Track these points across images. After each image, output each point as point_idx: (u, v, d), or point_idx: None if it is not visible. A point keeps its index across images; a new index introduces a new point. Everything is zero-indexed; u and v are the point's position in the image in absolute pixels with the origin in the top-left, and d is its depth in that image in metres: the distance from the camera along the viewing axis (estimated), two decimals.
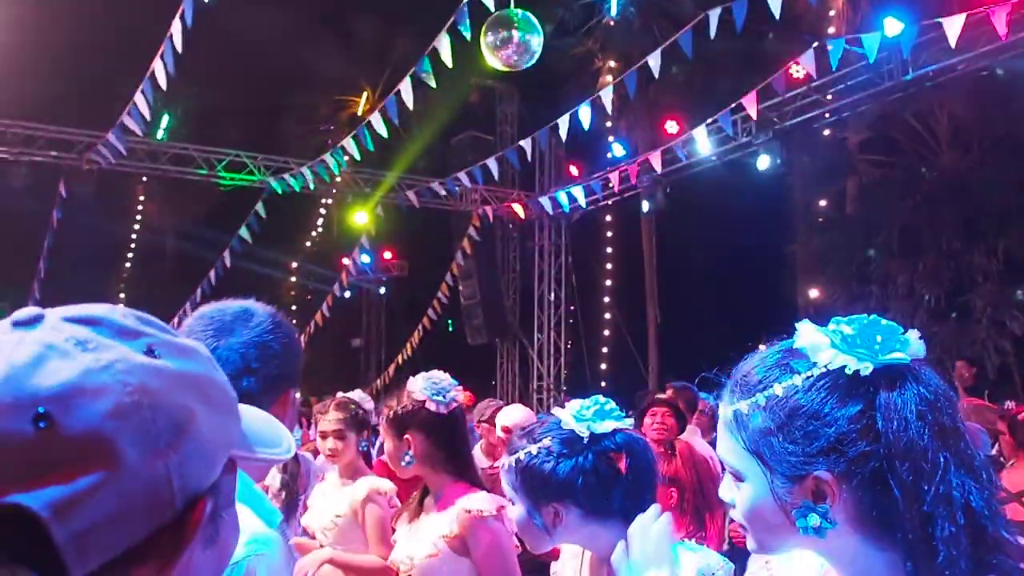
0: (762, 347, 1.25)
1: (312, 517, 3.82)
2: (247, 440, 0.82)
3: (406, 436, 2.70)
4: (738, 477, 1.18)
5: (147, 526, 0.65)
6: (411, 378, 2.80)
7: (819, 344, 1.13)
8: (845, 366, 1.09)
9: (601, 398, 1.90)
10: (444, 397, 2.71)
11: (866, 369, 1.09)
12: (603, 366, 18.64)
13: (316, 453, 7.55)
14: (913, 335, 1.13)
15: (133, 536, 0.64)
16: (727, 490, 1.23)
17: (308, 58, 23.75)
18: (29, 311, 0.70)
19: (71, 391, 0.64)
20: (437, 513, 2.67)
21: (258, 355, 1.42)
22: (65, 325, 0.69)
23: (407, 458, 2.69)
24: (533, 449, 1.86)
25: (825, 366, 1.11)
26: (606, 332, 18.86)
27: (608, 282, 18.76)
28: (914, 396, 1.08)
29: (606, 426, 1.85)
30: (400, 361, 18.98)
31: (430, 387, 2.72)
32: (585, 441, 1.83)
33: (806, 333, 1.15)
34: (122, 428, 0.64)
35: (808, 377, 1.11)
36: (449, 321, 21.58)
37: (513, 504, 1.93)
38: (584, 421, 1.85)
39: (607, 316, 18.82)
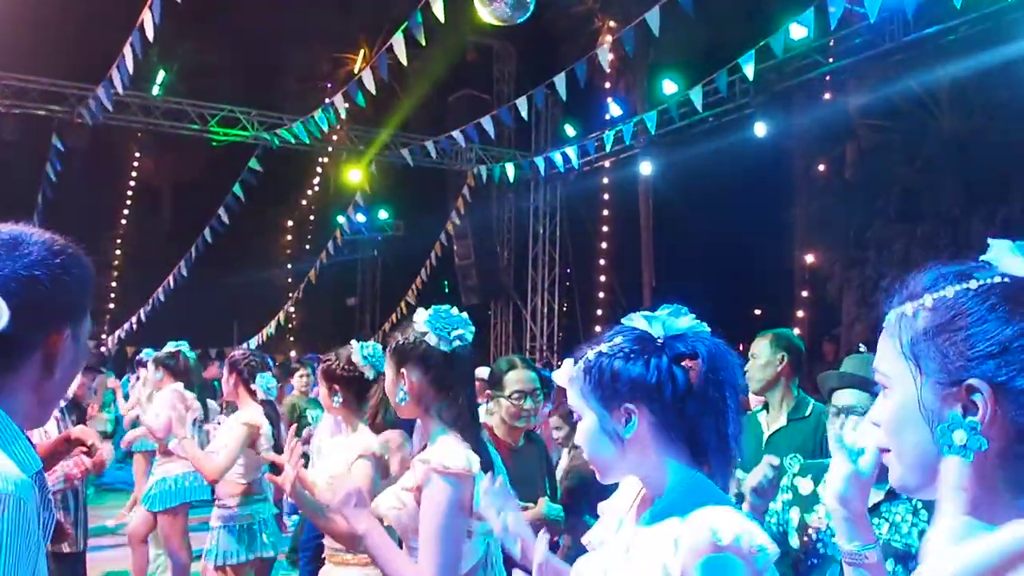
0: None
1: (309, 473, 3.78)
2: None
3: (402, 370, 2.50)
4: (887, 387, 1.09)
5: None
6: (419, 309, 2.58)
7: (1007, 251, 1.04)
8: None
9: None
10: (448, 333, 2.50)
11: None
12: (597, 328, 18.62)
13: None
14: None
15: None
16: (877, 412, 1.13)
17: (307, 15, 23.54)
18: None
19: None
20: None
21: (17, 290, 1.28)
22: None
23: (400, 394, 2.51)
24: (604, 347, 1.71)
25: (1006, 276, 1.02)
26: (600, 294, 18.84)
27: (603, 244, 18.71)
28: None
29: (682, 323, 1.71)
30: (394, 320, 18.97)
31: (434, 319, 2.51)
32: (659, 342, 1.68)
33: (996, 245, 1.06)
34: None
35: (984, 284, 1.02)
36: (445, 282, 21.56)
37: (581, 419, 1.75)
38: (658, 321, 1.71)
39: (602, 278, 18.78)
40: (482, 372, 4.94)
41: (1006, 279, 1.02)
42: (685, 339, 1.70)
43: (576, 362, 1.75)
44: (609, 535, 1.83)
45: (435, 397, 2.48)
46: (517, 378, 3.70)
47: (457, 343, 2.49)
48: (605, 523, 1.87)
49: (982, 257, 1.05)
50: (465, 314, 2.60)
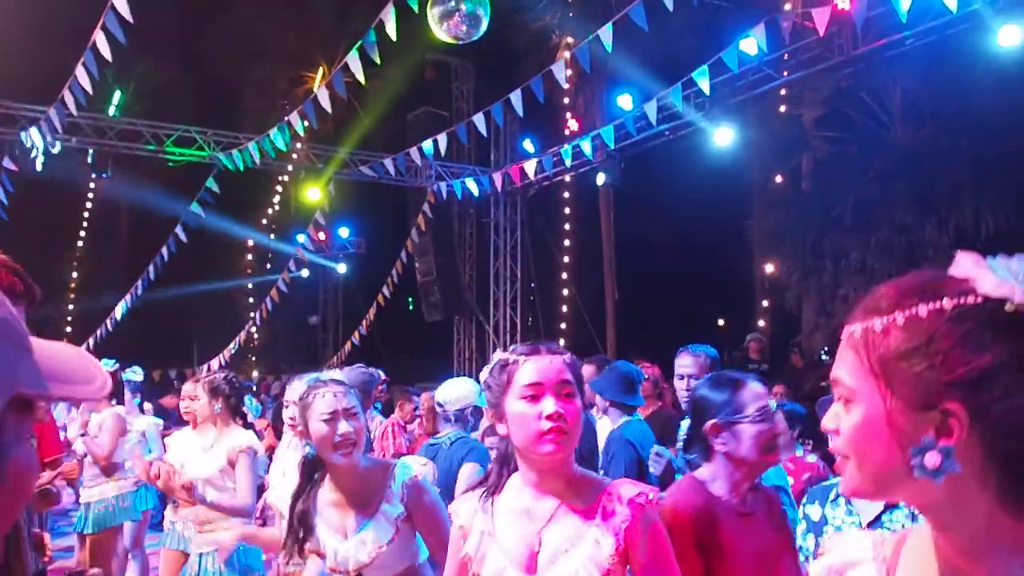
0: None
1: (277, 496, 3.78)
2: (39, 377, 0.79)
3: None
4: (849, 400, 1.07)
5: None
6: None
7: (979, 268, 1.00)
8: (1006, 300, 0.98)
9: None
10: None
11: None
12: (561, 341, 18.62)
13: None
14: None
15: None
16: (832, 419, 1.10)
17: (265, 33, 23.46)
18: None
19: None
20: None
21: None
22: None
23: (307, 449, 2.94)
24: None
25: (979, 297, 0.99)
26: (564, 308, 18.87)
27: (565, 258, 18.77)
28: None
29: None
30: (357, 338, 18.88)
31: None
32: None
33: (964, 261, 1.02)
34: None
35: (959, 304, 0.99)
36: (409, 299, 21.49)
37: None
38: None
39: (564, 292, 18.82)
40: (441, 394, 4.89)
41: (979, 301, 0.99)
42: None
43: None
44: None
45: None
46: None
47: None
48: None
49: (950, 270, 1.02)
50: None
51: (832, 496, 2.87)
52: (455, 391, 4.73)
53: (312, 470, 2.90)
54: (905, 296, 1.03)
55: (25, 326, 0.80)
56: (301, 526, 2.82)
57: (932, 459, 0.98)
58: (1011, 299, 0.97)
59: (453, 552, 2.16)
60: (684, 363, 4.27)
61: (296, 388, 2.87)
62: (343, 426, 2.74)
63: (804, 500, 2.99)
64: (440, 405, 4.70)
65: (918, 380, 0.99)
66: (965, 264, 1.01)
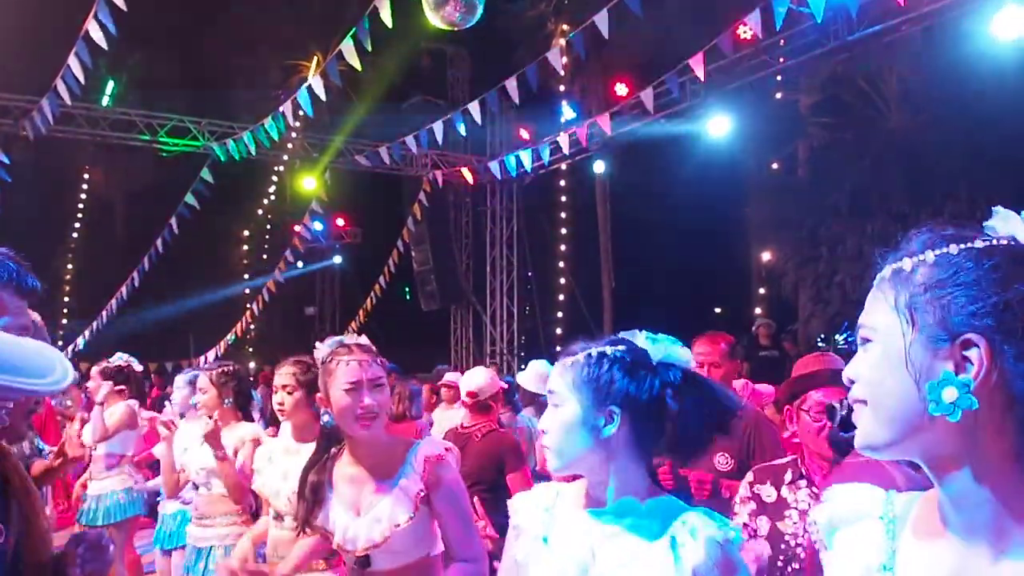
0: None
1: (263, 482, 3.70)
2: None
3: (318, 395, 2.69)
4: (869, 339, 1.06)
5: None
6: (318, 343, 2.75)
7: (1013, 218, 1.04)
8: None
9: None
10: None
11: None
12: (558, 331, 18.66)
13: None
14: None
15: None
16: (852, 365, 1.09)
17: (259, 22, 23.34)
18: None
19: None
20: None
21: None
22: None
23: (325, 417, 2.68)
24: (608, 350, 1.81)
25: (1011, 240, 1.02)
26: (560, 297, 18.86)
27: (562, 247, 18.75)
28: None
29: (681, 355, 1.83)
30: (354, 328, 18.84)
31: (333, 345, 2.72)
32: (654, 363, 1.80)
33: (1002, 213, 1.05)
34: None
35: (989, 244, 1.01)
36: (406, 288, 21.47)
37: (559, 406, 1.83)
38: (659, 344, 1.83)
39: (561, 281, 18.81)
40: (468, 383, 4.90)
41: (1011, 242, 1.01)
42: (676, 369, 1.80)
43: (576, 353, 1.84)
44: (546, 531, 1.88)
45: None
46: None
47: None
48: (532, 520, 1.92)
49: (986, 223, 1.04)
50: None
51: (789, 478, 2.82)
52: (483, 377, 4.79)
53: (329, 441, 2.73)
54: (938, 237, 1.04)
55: None
56: (313, 497, 2.65)
57: (950, 393, 0.96)
58: None
59: (507, 552, 2.00)
60: (700, 349, 4.13)
61: (320, 350, 2.74)
62: (368, 398, 2.58)
63: (749, 479, 2.91)
64: (474, 395, 4.72)
65: (943, 311, 0.99)
66: (1001, 215, 1.05)
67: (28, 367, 0.85)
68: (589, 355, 1.81)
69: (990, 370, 0.96)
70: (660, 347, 1.82)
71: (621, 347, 1.82)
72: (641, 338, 1.84)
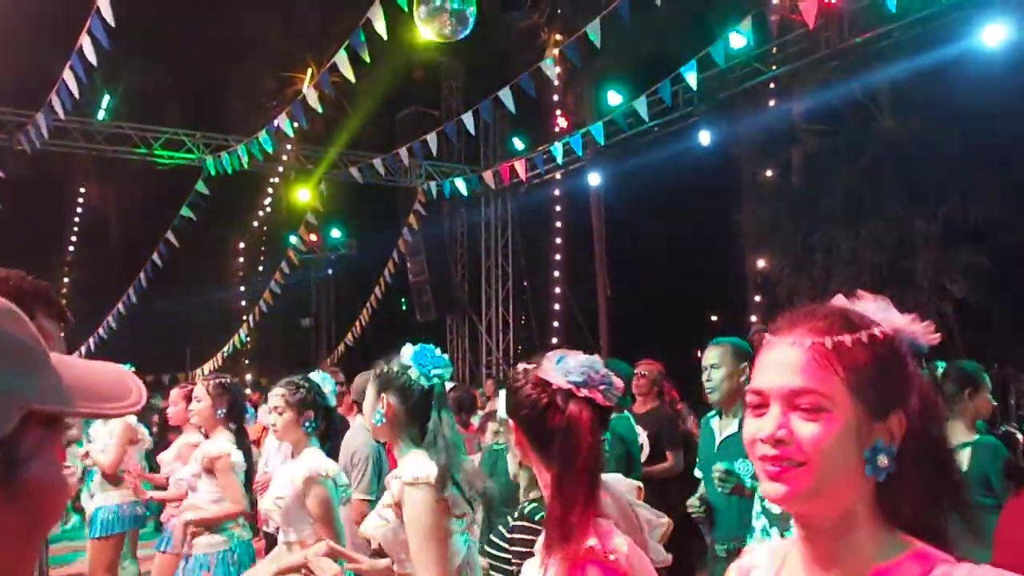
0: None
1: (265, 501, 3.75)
2: (61, 393, 0.80)
3: (382, 396, 2.76)
4: (821, 409, 1.17)
5: None
6: (407, 344, 2.87)
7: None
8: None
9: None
10: (428, 371, 2.78)
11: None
12: (553, 340, 18.64)
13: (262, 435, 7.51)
14: None
15: None
16: (782, 428, 1.20)
17: (253, 34, 23.38)
18: None
19: None
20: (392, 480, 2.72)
21: None
22: None
23: (377, 415, 2.76)
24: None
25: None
26: (556, 306, 18.87)
27: (557, 256, 18.76)
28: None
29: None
30: (350, 340, 18.85)
31: (418, 356, 2.80)
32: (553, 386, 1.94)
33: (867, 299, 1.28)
34: None
35: (894, 329, 1.22)
36: (402, 299, 21.47)
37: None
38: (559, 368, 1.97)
39: (557, 290, 18.82)
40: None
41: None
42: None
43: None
44: None
45: (408, 423, 2.75)
46: None
47: (436, 380, 2.78)
48: None
49: (856, 304, 1.26)
50: (443, 354, 2.90)
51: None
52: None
53: None
54: (859, 317, 1.22)
55: (46, 343, 0.82)
56: None
57: (883, 460, 1.15)
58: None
59: None
60: (709, 355, 4.10)
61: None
62: None
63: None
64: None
65: (884, 390, 1.18)
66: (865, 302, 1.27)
67: (108, 392, 0.88)
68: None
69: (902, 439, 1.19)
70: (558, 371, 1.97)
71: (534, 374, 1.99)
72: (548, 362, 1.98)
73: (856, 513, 1.18)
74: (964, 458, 4.00)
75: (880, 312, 1.24)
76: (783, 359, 1.21)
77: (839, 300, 1.29)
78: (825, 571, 1.21)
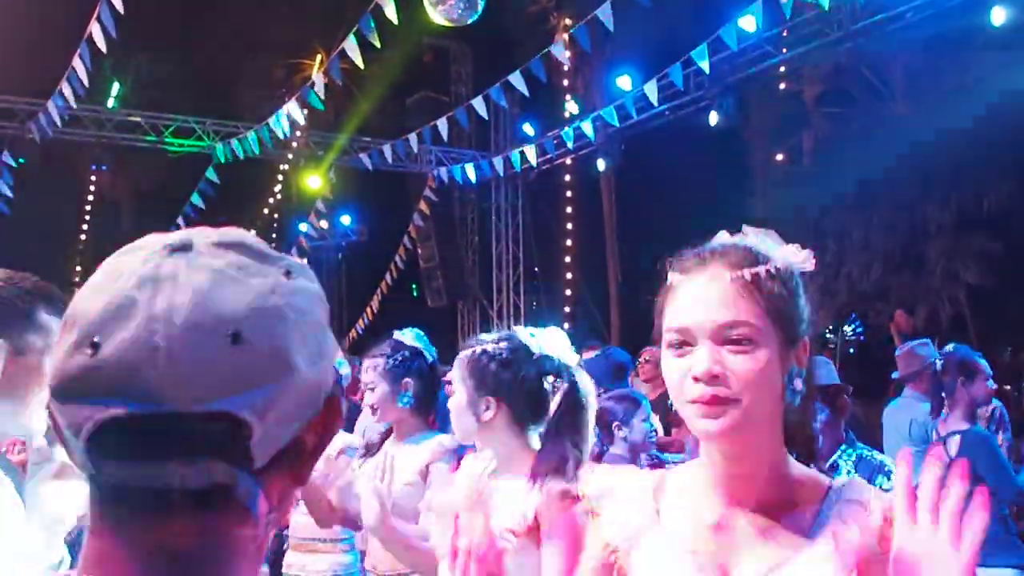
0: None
1: None
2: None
3: (406, 380, 3.00)
4: (750, 341, 1.20)
5: (301, 423, 0.77)
6: (397, 331, 3.10)
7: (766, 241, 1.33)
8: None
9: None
10: (433, 352, 3.08)
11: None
12: (565, 325, 18.62)
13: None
14: None
15: (291, 432, 0.75)
16: (717, 364, 1.21)
17: (262, 21, 23.37)
18: (179, 236, 0.83)
19: (254, 312, 0.74)
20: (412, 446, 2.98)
21: None
22: (219, 251, 0.80)
23: (406, 399, 2.98)
24: (489, 347, 2.14)
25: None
26: (567, 291, 18.83)
27: (568, 241, 18.70)
28: None
29: (554, 351, 2.11)
30: (360, 326, 18.88)
31: (420, 338, 3.07)
32: (534, 357, 2.08)
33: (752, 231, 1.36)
34: (293, 341, 0.76)
35: (791, 259, 1.28)
36: (413, 285, 21.47)
37: (455, 395, 2.21)
38: (536, 338, 2.12)
39: (568, 275, 18.78)
40: None
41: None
42: (556, 362, 2.11)
43: (469, 349, 2.22)
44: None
45: (426, 400, 3.10)
46: None
47: (431, 357, 3.08)
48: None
49: (741, 239, 1.31)
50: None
51: None
52: None
53: None
54: (760, 250, 1.28)
55: (48, 339, 0.88)
56: None
57: (798, 384, 1.21)
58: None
59: None
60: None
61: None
62: None
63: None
64: None
65: (797, 319, 1.23)
66: (753, 235, 1.33)
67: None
68: (473, 351, 2.15)
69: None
70: (538, 340, 2.10)
71: (503, 343, 2.12)
72: (525, 334, 2.12)
73: (775, 437, 1.24)
74: (953, 446, 4.03)
75: (770, 244, 1.28)
76: (706, 295, 1.23)
77: (724, 236, 1.33)
78: (744, 495, 1.24)
